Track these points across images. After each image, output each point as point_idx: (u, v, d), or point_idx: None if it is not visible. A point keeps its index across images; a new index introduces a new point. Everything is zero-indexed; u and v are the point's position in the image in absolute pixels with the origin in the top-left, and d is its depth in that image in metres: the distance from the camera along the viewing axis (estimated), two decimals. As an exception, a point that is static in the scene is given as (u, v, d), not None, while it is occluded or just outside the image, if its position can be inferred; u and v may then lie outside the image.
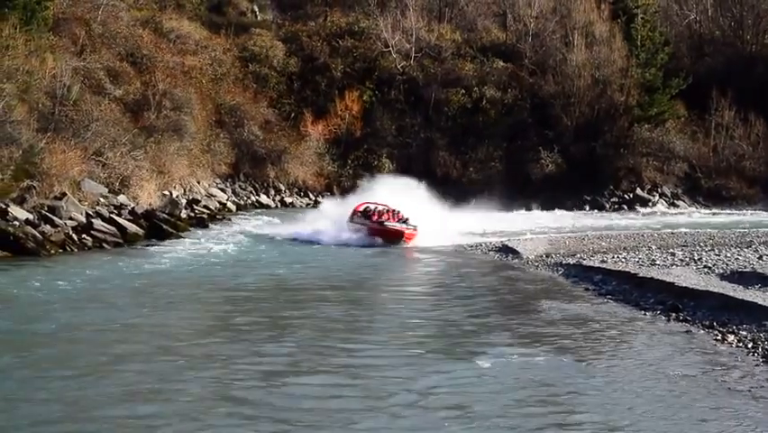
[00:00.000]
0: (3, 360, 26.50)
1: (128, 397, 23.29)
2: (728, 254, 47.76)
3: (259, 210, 73.58)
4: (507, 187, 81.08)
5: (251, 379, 25.16)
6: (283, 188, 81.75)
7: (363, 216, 62.18)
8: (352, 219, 62.88)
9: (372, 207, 62.66)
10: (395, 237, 58.79)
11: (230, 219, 67.34)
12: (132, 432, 21.10)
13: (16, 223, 49.47)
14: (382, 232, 59.08)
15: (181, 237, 57.24)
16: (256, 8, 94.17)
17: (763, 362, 28.13)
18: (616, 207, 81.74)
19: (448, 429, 21.88)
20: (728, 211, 78.43)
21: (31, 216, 50.88)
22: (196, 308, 37.09)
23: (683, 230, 61.70)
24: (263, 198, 79.50)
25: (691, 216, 78.17)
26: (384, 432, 21.88)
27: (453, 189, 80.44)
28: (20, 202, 51.65)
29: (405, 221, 60.23)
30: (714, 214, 77.75)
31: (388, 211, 61.46)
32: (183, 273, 44.91)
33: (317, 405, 23.10)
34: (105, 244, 52.53)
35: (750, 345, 29.83)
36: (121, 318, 32.77)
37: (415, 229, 59.51)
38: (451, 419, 22.39)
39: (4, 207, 50.05)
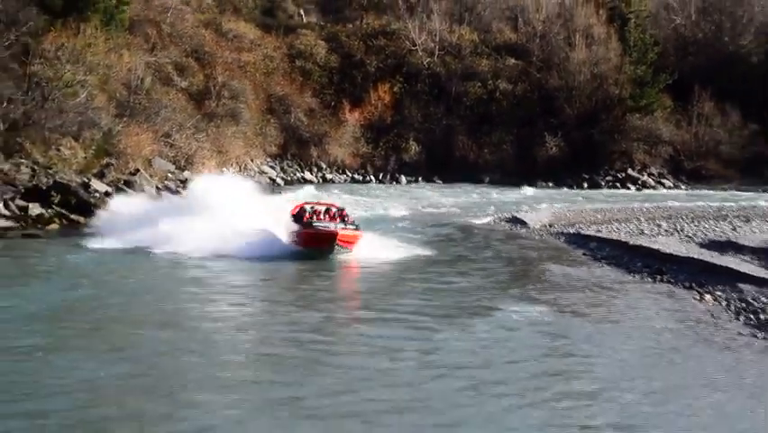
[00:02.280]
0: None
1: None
2: (706, 226, 47.95)
3: (303, 184, 73.54)
4: (517, 167, 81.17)
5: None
6: (324, 166, 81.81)
7: (296, 219, 42.43)
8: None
9: (309, 207, 43.50)
10: (325, 241, 39.04)
11: (279, 192, 67.51)
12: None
13: (97, 194, 49.85)
14: (308, 236, 39.64)
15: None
16: (302, 12, 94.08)
17: (735, 318, 28.42)
18: (610, 184, 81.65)
19: (467, 369, 22.39)
20: (707, 189, 78.19)
21: (109, 189, 51.27)
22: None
23: (669, 203, 61.71)
24: (307, 175, 79.61)
25: (674, 192, 77.96)
26: (419, 367, 22.50)
27: (471, 169, 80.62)
28: (100, 177, 52.10)
29: (345, 221, 41.35)
30: (694, 191, 77.47)
31: (328, 211, 42.56)
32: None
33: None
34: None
35: (724, 304, 30.13)
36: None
37: (356, 230, 40.90)
38: (469, 361, 22.84)
39: (86, 180, 50.49)
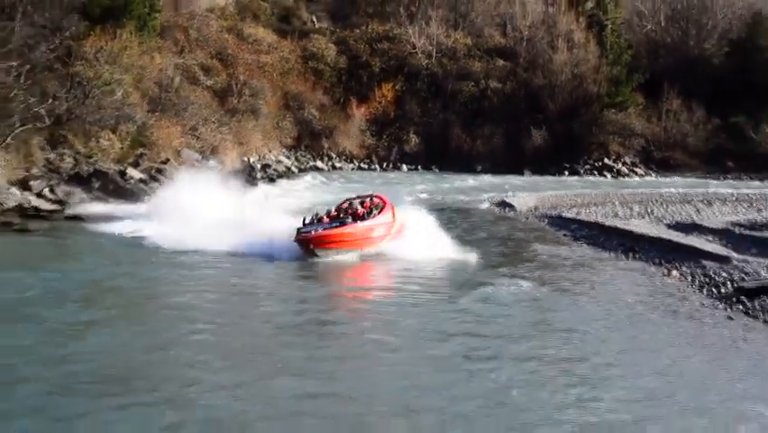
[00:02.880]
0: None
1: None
2: (674, 209, 48.10)
3: (314, 172, 73.67)
4: (506, 157, 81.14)
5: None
6: (334, 155, 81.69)
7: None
8: None
9: (346, 204, 37.28)
10: (304, 246, 32.73)
11: (292, 179, 67.54)
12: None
13: (132, 180, 49.96)
14: (297, 242, 33.01)
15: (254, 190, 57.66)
16: (314, 18, 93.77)
17: (698, 291, 28.60)
18: (588, 172, 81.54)
19: (464, 330, 22.86)
20: (674, 176, 78.23)
21: (143, 176, 51.34)
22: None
23: (639, 190, 61.74)
24: (319, 164, 79.53)
25: (645, 179, 78.03)
26: (422, 331, 22.76)
27: (465, 159, 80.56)
28: (135, 165, 52.12)
29: (359, 217, 34.84)
30: (663, 179, 77.51)
31: (349, 207, 36.41)
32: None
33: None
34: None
35: (689, 278, 30.30)
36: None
37: (340, 227, 33.75)
38: (464, 325, 22.97)
39: (123, 168, 50.54)
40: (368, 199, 37.41)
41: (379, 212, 35.97)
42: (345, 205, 36.86)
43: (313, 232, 32.97)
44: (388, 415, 17.10)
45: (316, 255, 32.70)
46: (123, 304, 24.87)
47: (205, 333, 21.95)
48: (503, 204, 52.89)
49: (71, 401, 16.74)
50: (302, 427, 16.33)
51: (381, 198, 37.70)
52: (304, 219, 34.49)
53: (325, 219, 34.43)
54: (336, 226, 33.76)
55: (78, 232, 38.12)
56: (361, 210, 35.53)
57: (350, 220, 34.51)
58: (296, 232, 33.17)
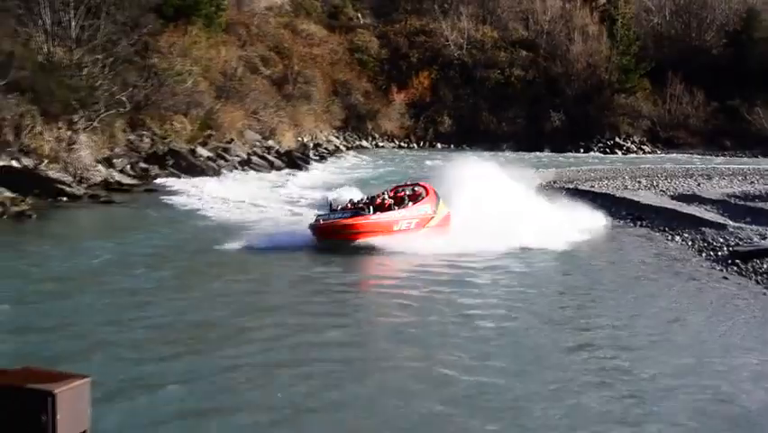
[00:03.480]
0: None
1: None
2: (677, 183, 47.80)
3: (359, 150, 73.98)
4: (528, 136, 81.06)
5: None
6: (377, 135, 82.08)
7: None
8: None
9: (390, 192, 32.60)
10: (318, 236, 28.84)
11: (340, 156, 67.76)
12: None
13: (201, 158, 50.44)
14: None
15: (309, 166, 57.93)
16: (359, 15, 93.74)
17: (698, 254, 28.57)
18: (601, 150, 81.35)
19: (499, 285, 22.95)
20: (678, 153, 77.77)
21: (211, 155, 51.82)
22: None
23: (646, 165, 61.45)
24: (364, 143, 79.87)
25: (651, 156, 77.63)
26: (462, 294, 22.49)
27: (492, 138, 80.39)
28: (203, 145, 52.64)
29: (385, 207, 30.20)
30: (667, 155, 77.06)
31: (381, 195, 31.54)
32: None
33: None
34: (260, 171, 53.40)
35: (690, 243, 30.26)
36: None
37: (350, 217, 29.21)
38: (500, 279, 23.15)
39: (193, 148, 51.04)
40: (409, 189, 32.70)
41: (415, 203, 31.08)
42: (391, 193, 31.92)
43: (321, 221, 28.92)
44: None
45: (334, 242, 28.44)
46: (190, 270, 24.98)
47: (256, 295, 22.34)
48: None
49: (141, 356, 16.95)
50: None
51: (426, 188, 32.54)
52: (330, 204, 31.36)
53: (349, 207, 30.31)
54: (347, 217, 29.29)
55: (154, 203, 38.73)
56: (388, 201, 30.63)
57: (369, 210, 29.55)
58: (314, 218, 29.64)
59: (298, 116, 68.12)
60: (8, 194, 34.84)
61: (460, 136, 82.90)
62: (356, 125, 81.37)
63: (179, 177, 46.79)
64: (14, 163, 37.22)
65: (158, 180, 45.12)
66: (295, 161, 58.30)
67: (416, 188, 32.88)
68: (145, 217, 35.03)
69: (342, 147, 73.57)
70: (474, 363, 16.71)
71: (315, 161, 61.79)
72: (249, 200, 40.03)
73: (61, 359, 15.40)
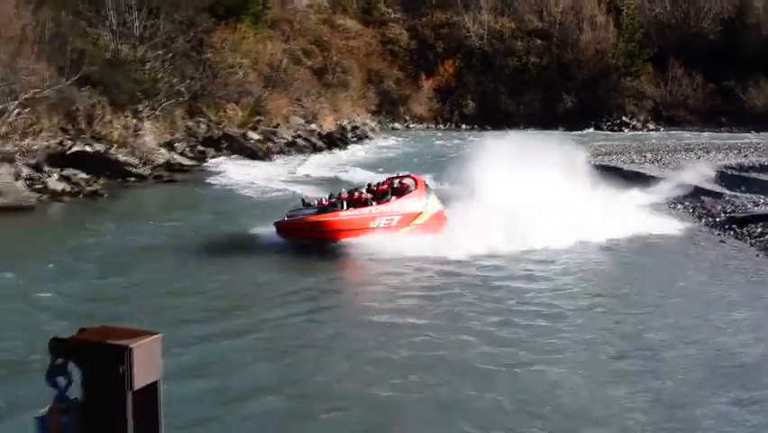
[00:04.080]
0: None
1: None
2: (678, 156, 47.45)
3: (392, 132, 73.89)
4: (543, 117, 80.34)
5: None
6: (408, 118, 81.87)
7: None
8: None
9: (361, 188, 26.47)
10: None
11: (375, 137, 67.56)
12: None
13: (251, 141, 50.58)
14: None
15: (347, 148, 57.90)
16: (390, 10, 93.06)
17: (698, 220, 28.46)
18: (609, 128, 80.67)
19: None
20: (679, 131, 77.00)
21: (260, 138, 51.92)
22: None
23: (651, 142, 61.02)
24: (396, 125, 79.66)
25: (654, 133, 76.99)
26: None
27: (511, 119, 79.85)
28: (253, 129, 52.71)
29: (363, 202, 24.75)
30: (669, 132, 76.35)
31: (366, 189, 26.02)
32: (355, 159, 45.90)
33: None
34: (303, 152, 53.41)
35: (690, 210, 30.14)
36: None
37: (315, 215, 23.93)
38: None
39: (245, 132, 51.17)
40: (397, 182, 26.71)
41: (399, 197, 25.44)
42: (385, 186, 26.29)
43: (286, 217, 24.08)
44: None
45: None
46: (231, 245, 24.39)
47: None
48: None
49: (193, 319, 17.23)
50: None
51: (415, 180, 26.75)
52: (303, 200, 25.83)
53: (324, 202, 24.82)
54: (314, 213, 24.16)
55: (208, 182, 38.92)
56: (365, 195, 25.19)
57: (343, 205, 24.36)
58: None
59: (337, 102, 67.96)
60: (83, 175, 35.19)
61: (482, 118, 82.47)
62: (389, 109, 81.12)
63: (232, 158, 47.03)
64: (88, 148, 37.49)
65: (213, 161, 45.28)
66: (335, 142, 58.38)
67: (403, 181, 26.80)
68: (200, 195, 35.23)
69: (376, 129, 73.43)
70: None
71: (353, 142, 61.75)
72: (287, 179, 40.21)
73: (127, 322, 15.65)
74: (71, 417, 3.15)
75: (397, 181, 26.69)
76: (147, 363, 3.14)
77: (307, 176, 41.81)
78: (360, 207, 24.57)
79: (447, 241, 23.61)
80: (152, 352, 3.19)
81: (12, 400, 12.13)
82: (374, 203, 24.79)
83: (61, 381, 3.18)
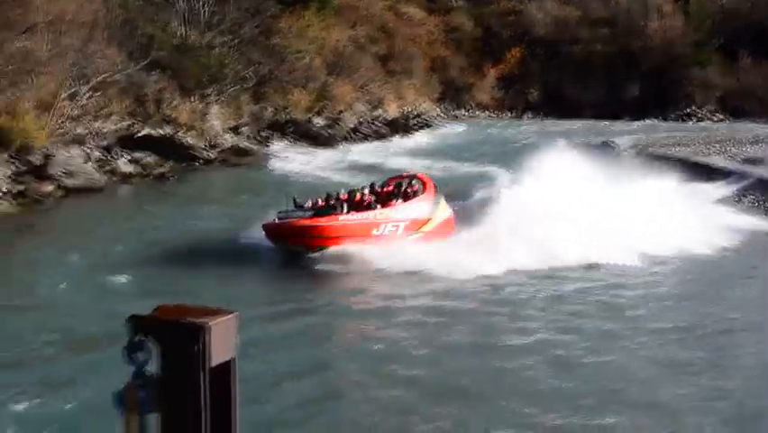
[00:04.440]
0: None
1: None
2: (744, 148, 46.53)
3: (455, 119, 73.76)
4: (608, 106, 79.36)
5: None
6: (472, 106, 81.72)
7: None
8: None
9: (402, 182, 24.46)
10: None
11: (438, 125, 67.42)
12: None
13: (316, 126, 50.93)
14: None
15: (411, 134, 57.95)
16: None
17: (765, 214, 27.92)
18: (676, 119, 79.59)
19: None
20: (746, 122, 75.48)
21: (325, 123, 52.20)
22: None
23: (717, 133, 59.91)
24: (460, 113, 79.59)
25: (723, 124, 75.67)
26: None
27: (575, 107, 78.97)
28: (318, 115, 52.95)
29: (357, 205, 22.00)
30: (736, 124, 74.90)
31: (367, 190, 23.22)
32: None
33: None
34: (367, 138, 53.63)
35: (755, 201, 29.63)
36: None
37: (293, 220, 21.05)
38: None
39: (310, 117, 51.44)
40: (405, 182, 24.08)
41: (406, 200, 22.70)
42: (390, 188, 23.77)
43: (276, 220, 21.26)
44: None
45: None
46: None
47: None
48: (606, 144, 51.89)
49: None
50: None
51: (424, 182, 24.11)
52: (294, 200, 22.44)
53: (320, 203, 21.94)
54: (309, 216, 21.15)
55: (274, 167, 39.25)
56: (368, 197, 22.42)
57: (343, 208, 21.56)
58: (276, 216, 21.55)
59: (401, 89, 67.95)
60: (151, 158, 35.76)
61: (546, 106, 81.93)
62: (453, 97, 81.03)
63: (296, 144, 47.45)
64: (156, 132, 38.04)
65: (276, 147, 45.67)
66: (398, 129, 58.60)
67: (412, 182, 24.02)
68: (264, 180, 35.66)
69: (440, 116, 73.30)
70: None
71: (416, 129, 61.75)
72: (348, 166, 40.39)
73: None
74: (148, 392, 3.21)
75: (404, 182, 23.93)
76: (223, 341, 3.18)
77: (368, 164, 41.82)
78: (362, 210, 21.59)
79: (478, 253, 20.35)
80: (228, 330, 3.23)
81: (89, 376, 12.42)
82: (378, 207, 21.90)
83: (138, 357, 3.23)
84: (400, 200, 22.47)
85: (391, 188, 23.56)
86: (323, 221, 20.74)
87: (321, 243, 20.54)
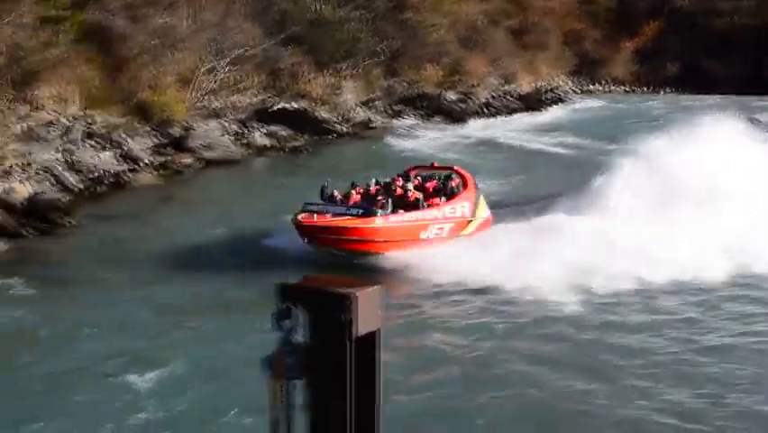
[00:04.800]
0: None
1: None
2: None
3: (589, 94, 72.39)
4: (750, 81, 75.87)
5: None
6: (607, 80, 79.94)
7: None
8: None
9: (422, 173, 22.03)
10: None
11: (571, 100, 66.27)
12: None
13: (447, 101, 50.85)
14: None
15: (543, 110, 57.12)
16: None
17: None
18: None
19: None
20: None
21: (456, 98, 52.07)
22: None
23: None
24: (592, 87, 77.96)
25: None
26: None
27: (715, 82, 76.29)
28: (450, 89, 52.81)
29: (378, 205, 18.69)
30: None
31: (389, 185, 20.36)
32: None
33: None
34: (499, 113, 53.19)
35: None
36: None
37: (330, 220, 17.81)
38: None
39: (441, 92, 51.38)
40: (437, 177, 21.42)
41: (450, 199, 20.12)
42: (434, 182, 21.17)
43: (305, 215, 18.16)
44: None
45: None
46: None
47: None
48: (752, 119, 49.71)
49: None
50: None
51: (464, 177, 21.16)
52: (322, 188, 19.69)
53: (354, 197, 19.35)
54: (351, 215, 18.28)
55: (402, 139, 39.48)
56: (413, 193, 19.53)
57: (388, 206, 18.63)
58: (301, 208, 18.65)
59: (535, 64, 67.14)
60: (285, 132, 36.48)
61: (684, 81, 79.39)
62: (587, 71, 79.45)
63: (427, 118, 47.45)
64: (290, 105, 38.70)
65: (408, 121, 45.79)
66: (531, 104, 57.85)
67: (452, 177, 21.06)
68: (391, 152, 35.99)
69: (573, 91, 72.09)
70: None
71: (549, 104, 60.84)
72: (479, 141, 40.12)
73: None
74: (296, 358, 3.31)
75: (443, 174, 21.29)
76: (369, 312, 3.26)
77: (499, 141, 41.35)
78: (409, 209, 18.93)
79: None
80: (374, 301, 3.30)
81: (238, 339, 13.15)
82: (424, 205, 19.33)
83: (286, 324, 3.34)
84: (443, 197, 19.98)
85: (433, 181, 21.01)
86: (369, 222, 17.96)
87: (364, 247, 18.03)
